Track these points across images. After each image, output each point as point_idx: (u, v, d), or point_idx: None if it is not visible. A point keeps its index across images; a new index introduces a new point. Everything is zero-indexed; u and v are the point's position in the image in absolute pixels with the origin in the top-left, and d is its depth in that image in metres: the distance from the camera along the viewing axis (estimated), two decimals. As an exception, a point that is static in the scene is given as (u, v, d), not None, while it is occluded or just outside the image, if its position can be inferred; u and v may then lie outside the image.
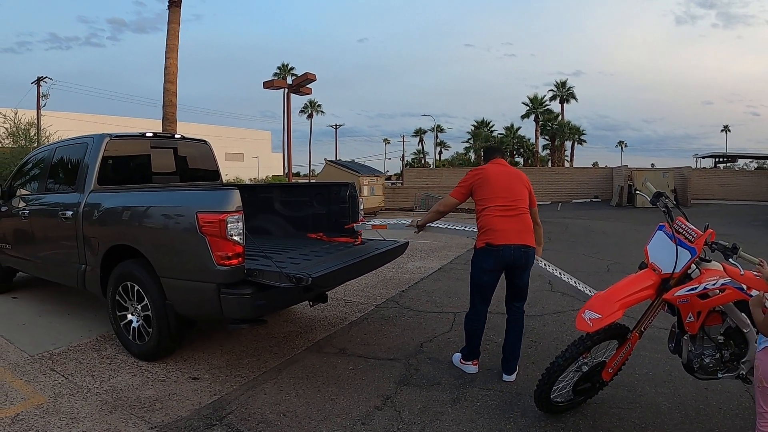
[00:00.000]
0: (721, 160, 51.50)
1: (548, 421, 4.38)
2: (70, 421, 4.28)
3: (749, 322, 3.90)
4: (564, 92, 69.73)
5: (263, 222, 7.58)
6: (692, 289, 3.86)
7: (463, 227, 6.05)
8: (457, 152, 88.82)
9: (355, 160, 28.76)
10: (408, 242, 6.84)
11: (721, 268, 3.94)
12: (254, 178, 59.32)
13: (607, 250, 13.93)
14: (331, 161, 24.15)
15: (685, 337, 4.12)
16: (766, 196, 27.19)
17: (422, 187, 28.99)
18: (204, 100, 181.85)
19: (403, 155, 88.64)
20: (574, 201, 36.07)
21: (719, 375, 4.15)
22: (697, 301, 3.87)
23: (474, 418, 4.45)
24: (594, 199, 36.61)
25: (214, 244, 4.68)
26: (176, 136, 7.90)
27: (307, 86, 29.01)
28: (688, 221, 4.19)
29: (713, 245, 3.93)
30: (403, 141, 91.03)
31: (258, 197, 7.76)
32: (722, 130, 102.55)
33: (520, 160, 74.44)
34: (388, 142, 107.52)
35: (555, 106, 70.39)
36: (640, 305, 4.17)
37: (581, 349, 4.20)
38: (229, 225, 4.67)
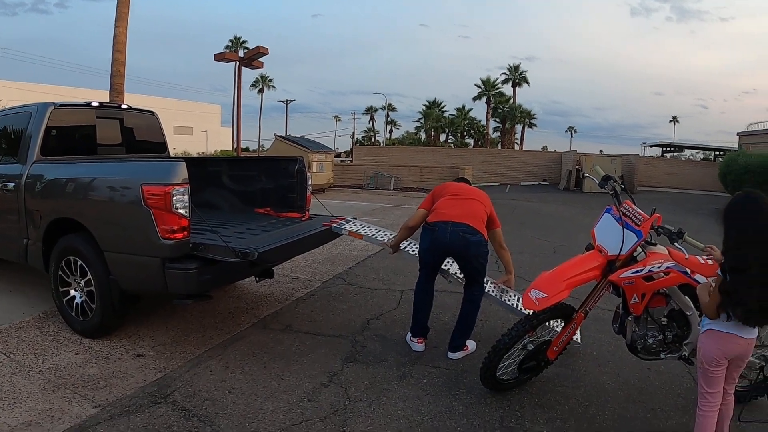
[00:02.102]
0: (668, 149, 52.57)
1: (493, 399, 4.45)
2: (12, 401, 4.16)
3: (692, 305, 4.01)
4: (516, 76, 70.47)
5: (211, 196, 7.47)
6: (637, 272, 3.93)
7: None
8: (407, 131, 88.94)
9: (305, 136, 28.50)
10: (356, 217, 6.83)
11: (666, 252, 4.01)
12: (202, 152, 58.36)
13: (554, 232, 14.13)
14: (281, 137, 23.83)
15: (629, 318, 4.21)
16: (711, 186, 27.79)
17: (372, 165, 28.89)
18: (154, 72, 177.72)
19: (354, 133, 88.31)
20: (522, 183, 36.34)
21: (662, 356, 4.25)
22: (641, 283, 3.94)
23: (420, 395, 4.49)
24: (542, 183, 36.96)
25: (159, 218, 4.58)
26: (123, 106, 7.70)
27: (259, 60, 28.69)
28: (635, 205, 4.25)
29: (659, 229, 4.01)
30: (354, 119, 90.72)
31: (206, 171, 7.64)
32: (671, 121, 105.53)
33: (471, 141, 74.94)
34: (339, 120, 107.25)
35: (507, 89, 71.46)
36: (585, 286, 4.23)
37: (527, 328, 4.26)
38: (174, 198, 4.57)
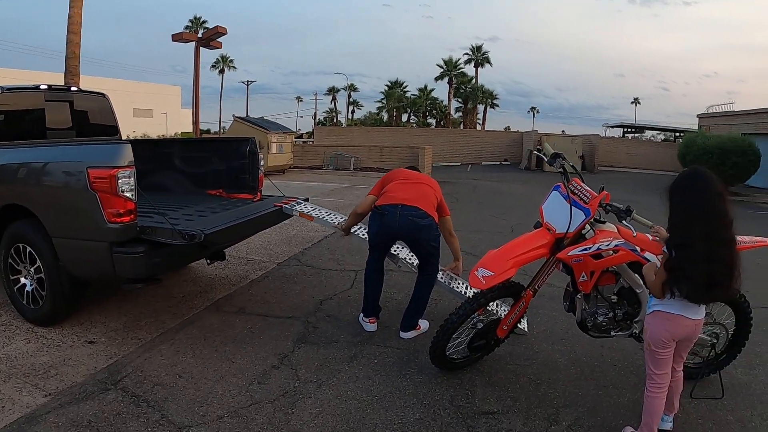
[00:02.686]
0: (629, 130, 53.18)
1: (444, 378, 4.48)
2: (-37, 393, 4.08)
3: (642, 282, 4.07)
4: (479, 56, 70.49)
5: (163, 179, 7.35)
6: (585, 249, 3.93)
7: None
8: (370, 112, 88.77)
9: (265, 117, 28.24)
10: (308, 199, 6.78)
11: (616, 230, 4.03)
12: (162, 135, 57.60)
13: (513, 212, 14.25)
14: (240, 118, 23.48)
15: (578, 296, 4.23)
16: (671, 166, 28.22)
17: (332, 145, 28.75)
18: (113, 53, 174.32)
19: (315, 113, 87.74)
20: (483, 163, 36.56)
21: (612, 333, 4.31)
22: (590, 261, 3.94)
23: (370, 375, 4.52)
24: (504, 162, 37.22)
25: (105, 201, 4.51)
26: (72, 89, 7.56)
27: (218, 40, 28.36)
28: (584, 183, 4.27)
29: (608, 207, 4.02)
30: (316, 99, 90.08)
31: (158, 153, 7.50)
32: (632, 102, 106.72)
33: (433, 121, 74.97)
34: (301, 100, 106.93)
35: (469, 70, 71.39)
36: (536, 264, 4.27)
37: (475, 306, 4.28)
38: (120, 181, 4.49)
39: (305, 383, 4.34)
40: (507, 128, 77.85)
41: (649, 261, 3.74)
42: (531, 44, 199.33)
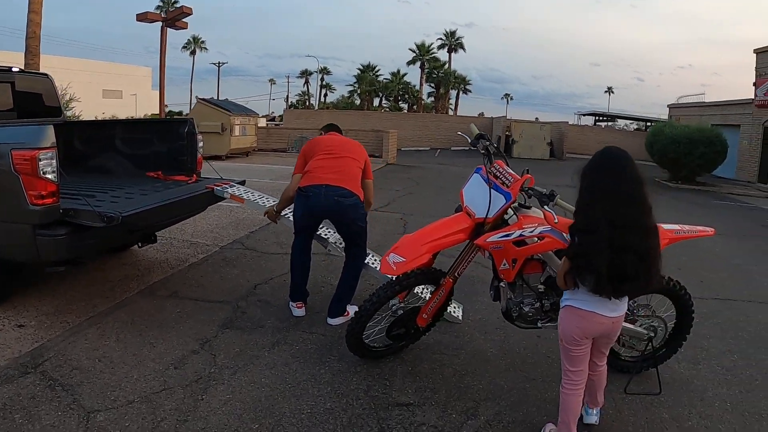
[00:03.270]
0: (601, 118, 53.35)
1: (364, 367, 4.42)
2: None
3: None
4: (453, 42, 70.57)
5: (105, 161, 7.22)
6: (506, 236, 3.72)
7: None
8: (342, 95, 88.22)
9: (234, 100, 27.95)
10: (244, 181, 6.71)
11: (542, 216, 3.81)
12: (131, 116, 56.87)
13: None
14: (203, 99, 23.10)
15: (502, 285, 4.04)
16: (640, 155, 28.33)
17: (296, 128, 28.49)
18: (84, 33, 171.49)
19: (288, 96, 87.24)
20: (453, 148, 36.40)
21: (539, 324, 4.12)
22: (512, 248, 3.73)
23: (289, 362, 4.46)
24: (473, 148, 37.10)
25: (27, 183, 4.43)
26: (14, 69, 7.39)
27: (183, 20, 27.99)
28: (507, 165, 4.12)
29: (530, 191, 3.87)
30: (288, 82, 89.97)
31: (99, 135, 7.39)
32: (606, 92, 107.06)
33: (405, 106, 74.71)
34: (274, 83, 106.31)
35: (443, 55, 71.35)
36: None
37: (389, 294, 4.17)
38: (41, 162, 4.41)
39: (221, 369, 4.28)
40: (481, 114, 77.64)
41: None
42: (508, 31, 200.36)
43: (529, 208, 4.00)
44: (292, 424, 3.61)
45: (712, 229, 4.39)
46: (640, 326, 4.19)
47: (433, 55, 70.10)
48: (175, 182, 6.42)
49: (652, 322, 4.24)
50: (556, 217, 3.67)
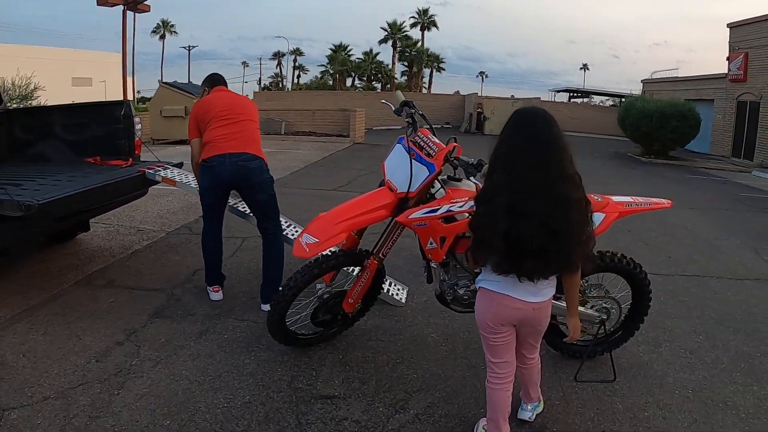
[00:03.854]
0: (575, 95, 53.23)
1: (292, 356, 4.15)
2: None
3: None
4: (425, 20, 70.06)
5: (45, 148, 6.81)
6: (431, 212, 3.37)
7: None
8: (316, 76, 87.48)
9: (192, 82, 27.37)
10: (181, 163, 6.37)
11: (474, 189, 3.46)
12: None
13: None
14: (165, 83, 22.31)
15: (433, 266, 3.72)
16: (613, 130, 28.16)
17: (263, 109, 28.01)
18: (53, 22, 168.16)
19: (260, 78, 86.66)
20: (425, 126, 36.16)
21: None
22: (439, 225, 3.38)
23: (214, 352, 4.20)
24: (445, 125, 36.74)
25: None
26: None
27: (145, 3, 27.41)
28: (434, 135, 3.83)
29: (455, 161, 3.53)
30: (260, 64, 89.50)
31: (40, 122, 6.98)
32: (581, 68, 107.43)
33: (378, 85, 74.11)
34: (247, 65, 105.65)
35: (416, 33, 70.67)
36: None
37: (307, 278, 3.85)
38: None
39: (143, 361, 4.02)
40: (457, 92, 77.64)
41: None
42: (482, 9, 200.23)
43: (459, 180, 3.65)
44: (206, 420, 3.36)
45: (669, 201, 4.09)
46: (591, 308, 3.89)
47: (405, 33, 69.41)
48: (111, 167, 6.08)
49: (605, 303, 3.92)
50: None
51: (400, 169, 3.74)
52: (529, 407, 3.36)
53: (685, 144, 22.21)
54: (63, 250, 6.58)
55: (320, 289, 4.07)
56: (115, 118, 6.38)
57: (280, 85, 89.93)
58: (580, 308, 3.73)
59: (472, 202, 3.14)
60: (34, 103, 23.28)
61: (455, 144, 3.60)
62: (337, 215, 3.63)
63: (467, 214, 3.26)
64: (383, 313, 4.71)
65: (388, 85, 69.16)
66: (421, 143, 3.74)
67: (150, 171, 5.68)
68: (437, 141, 3.73)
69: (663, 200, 4.04)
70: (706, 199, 12.70)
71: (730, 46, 24.91)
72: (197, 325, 4.64)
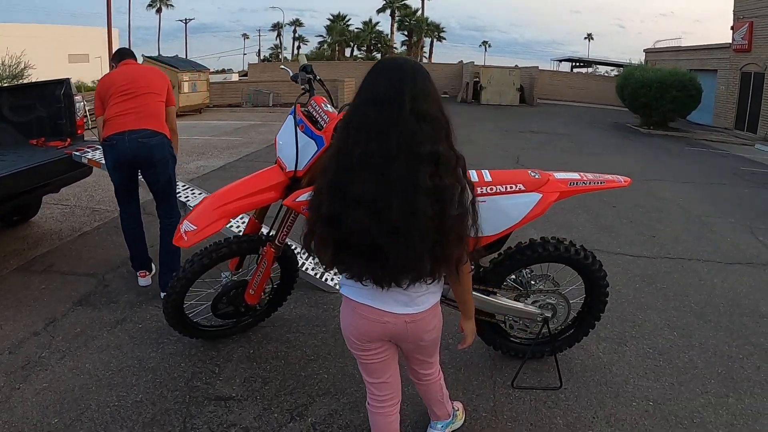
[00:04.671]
0: (577, 64, 52.31)
1: (200, 349, 3.84)
2: None
3: None
4: (425, -12, 68.62)
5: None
6: None
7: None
8: (317, 47, 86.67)
9: (179, 56, 26.95)
10: None
11: None
12: (96, 81, 55.49)
13: None
14: (150, 57, 21.82)
15: None
16: (614, 101, 27.51)
17: (252, 81, 27.63)
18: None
19: (259, 50, 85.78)
20: (425, 96, 35.58)
21: None
22: None
23: (123, 344, 3.91)
24: (443, 95, 36.06)
25: None
26: None
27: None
28: (331, 103, 3.44)
29: None
30: (260, 35, 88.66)
31: None
32: (585, 38, 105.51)
33: (378, 55, 73.21)
34: (247, 38, 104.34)
35: (416, 2, 69.68)
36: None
37: (197, 269, 3.48)
38: None
39: (53, 353, 3.76)
40: (460, 62, 76.97)
41: None
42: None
43: None
44: (92, 420, 3.10)
45: (627, 179, 3.46)
46: (532, 303, 3.43)
47: (404, 2, 68.53)
48: (49, 148, 5.81)
49: (549, 298, 3.45)
50: None
51: (288, 145, 3.35)
52: (439, 425, 2.88)
53: (685, 115, 21.57)
54: (13, 234, 6.31)
55: (225, 277, 3.74)
56: (56, 98, 6.13)
57: (280, 57, 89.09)
58: (516, 304, 3.35)
59: None
60: (25, 83, 22.60)
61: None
62: (220, 199, 3.30)
63: None
64: (313, 300, 4.37)
65: (387, 55, 68.44)
66: (314, 113, 3.38)
67: (77, 153, 5.40)
68: (331, 110, 3.35)
69: (619, 177, 3.44)
70: (703, 173, 11.90)
71: (734, 14, 24.12)
72: (117, 313, 4.36)
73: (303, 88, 3.57)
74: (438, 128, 1.89)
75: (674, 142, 17.94)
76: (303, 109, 3.45)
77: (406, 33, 70.11)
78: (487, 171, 3.11)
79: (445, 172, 1.88)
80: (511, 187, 3.04)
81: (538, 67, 33.92)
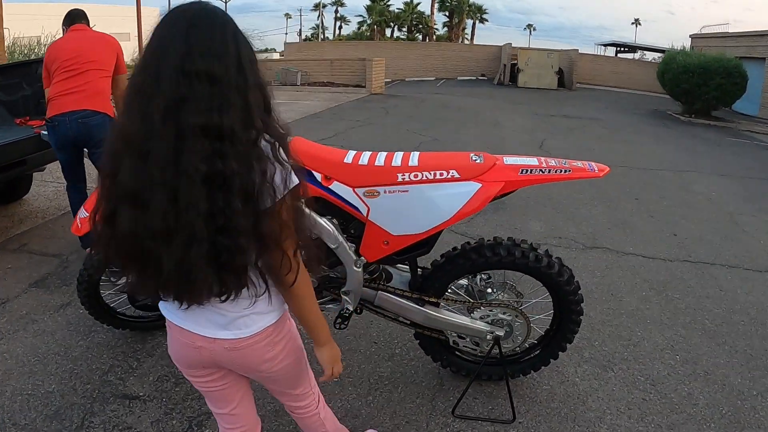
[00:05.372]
0: (623, 49, 50.86)
1: (127, 341, 3.65)
2: None
3: (337, 231, 2.70)
4: (467, -33, 67.49)
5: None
6: None
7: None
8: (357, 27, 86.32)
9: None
10: None
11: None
12: (135, 58, 56.19)
13: (441, 126, 13.27)
14: None
15: None
16: (656, 87, 26.39)
17: (282, 60, 27.27)
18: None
19: (300, 30, 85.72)
20: (459, 78, 34.81)
21: (323, 306, 2.96)
22: None
23: (58, 329, 3.78)
24: (480, 78, 35.51)
25: None
26: None
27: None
28: None
29: None
30: (301, 15, 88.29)
31: None
32: (632, 23, 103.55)
33: (419, 36, 72.38)
34: (290, 17, 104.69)
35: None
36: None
37: (95, 264, 3.26)
38: None
39: None
40: (507, 44, 76.10)
41: (338, 195, 2.60)
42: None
43: None
44: (1, 407, 3.00)
45: (603, 168, 2.68)
46: (480, 318, 2.91)
47: (445, -19, 67.17)
48: (29, 127, 5.72)
49: (503, 314, 2.90)
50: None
51: None
52: None
53: (730, 104, 20.36)
54: (3, 212, 6.25)
55: None
56: (38, 77, 5.85)
57: (322, 37, 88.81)
58: (460, 318, 2.88)
59: None
60: None
61: None
62: None
63: None
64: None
65: (428, 37, 67.64)
66: None
67: (44, 132, 5.14)
68: None
69: (593, 166, 2.68)
70: (743, 167, 10.79)
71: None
72: (65, 297, 4.24)
73: None
74: (223, 93, 1.37)
75: (715, 132, 16.87)
76: None
77: (447, 14, 69.07)
78: (417, 153, 2.67)
79: (235, 153, 1.38)
80: (441, 174, 2.54)
81: (578, 50, 32.82)
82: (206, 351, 1.67)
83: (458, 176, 2.53)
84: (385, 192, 2.56)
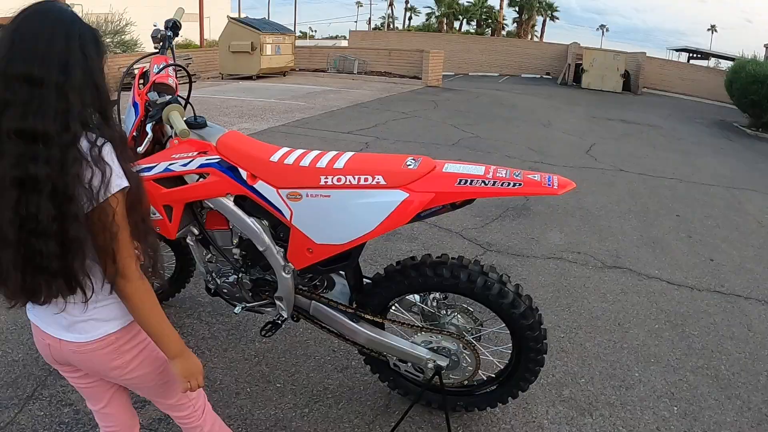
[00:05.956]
0: (695, 56, 49.23)
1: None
2: None
3: (266, 234, 2.51)
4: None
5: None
6: (145, 170, 2.39)
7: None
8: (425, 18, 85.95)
9: (266, 18, 26.96)
10: None
11: (214, 140, 2.54)
12: (205, 39, 57.68)
13: (487, 124, 12.92)
14: (235, 19, 22.17)
15: (190, 242, 2.77)
16: (727, 97, 25.27)
17: (339, 47, 27.24)
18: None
19: (370, 19, 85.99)
20: (523, 75, 34.22)
21: (250, 307, 2.81)
22: (156, 189, 2.45)
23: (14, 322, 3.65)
24: (545, 76, 34.79)
25: None
26: None
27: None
28: (173, 64, 2.92)
29: (150, 103, 2.68)
30: (371, 4, 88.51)
31: None
32: (708, 30, 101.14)
33: (488, 31, 71.53)
34: (361, 5, 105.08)
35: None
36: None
37: None
38: None
39: None
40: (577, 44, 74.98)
41: (263, 197, 2.41)
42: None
43: (202, 127, 2.62)
44: None
45: (566, 184, 2.19)
46: (421, 343, 2.62)
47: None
48: None
49: (447, 342, 2.59)
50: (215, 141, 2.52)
51: (132, 112, 2.86)
52: None
53: (802, 120, 19.26)
54: None
55: None
56: None
57: (391, 27, 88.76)
58: (396, 341, 2.63)
59: (205, 159, 2.45)
60: (126, 38, 24.34)
61: (167, 74, 2.74)
62: None
63: (197, 176, 2.47)
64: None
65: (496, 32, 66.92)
66: (150, 75, 2.85)
67: None
68: (168, 73, 2.81)
69: (553, 179, 2.22)
70: None
71: None
72: None
73: (156, 47, 3.11)
74: (42, 95, 1.38)
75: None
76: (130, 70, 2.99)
77: (516, 9, 68.05)
78: (350, 154, 2.43)
79: (48, 156, 1.39)
80: (366, 180, 2.27)
81: (645, 53, 31.74)
82: (55, 350, 1.73)
83: (384, 183, 2.26)
84: (307, 195, 2.34)
